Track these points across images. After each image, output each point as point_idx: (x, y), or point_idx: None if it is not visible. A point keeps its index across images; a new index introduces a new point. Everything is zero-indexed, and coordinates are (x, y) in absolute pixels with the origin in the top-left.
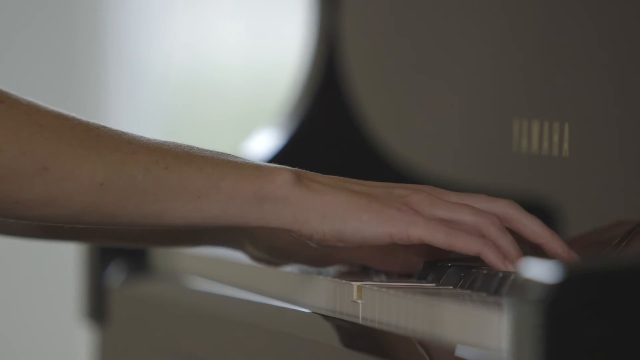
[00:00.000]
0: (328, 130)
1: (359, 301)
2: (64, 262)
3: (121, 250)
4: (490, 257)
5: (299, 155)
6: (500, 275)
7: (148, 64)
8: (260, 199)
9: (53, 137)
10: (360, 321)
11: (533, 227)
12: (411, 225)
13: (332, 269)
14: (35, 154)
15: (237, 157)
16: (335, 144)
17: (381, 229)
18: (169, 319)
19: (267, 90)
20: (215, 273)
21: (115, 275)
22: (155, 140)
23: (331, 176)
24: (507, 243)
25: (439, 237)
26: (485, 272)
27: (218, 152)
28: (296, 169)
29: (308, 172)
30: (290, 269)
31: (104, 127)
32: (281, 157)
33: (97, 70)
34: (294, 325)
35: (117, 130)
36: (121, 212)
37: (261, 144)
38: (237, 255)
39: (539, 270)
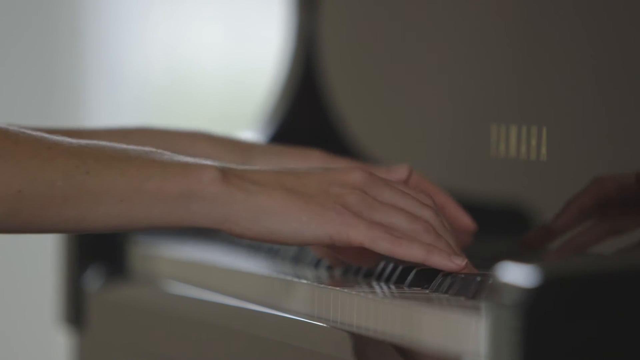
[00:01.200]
0: (306, 133)
1: (338, 306)
2: (42, 266)
3: (99, 254)
4: (437, 260)
5: None
6: (479, 279)
7: (127, 67)
8: (187, 199)
9: None
10: (339, 326)
11: (457, 214)
12: (352, 228)
13: (310, 273)
14: None
15: (164, 154)
16: (314, 147)
17: (322, 231)
18: (147, 323)
19: (245, 94)
20: (194, 277)
21: (93, 280)
22: (78, 142)
23: (263, 170)
24: (444, 247)
25: (380, 244)
26: (463, 276)
27: (144, 150)
28: (225, 165)
29: (237, 168)
30: (269, 272)
31: (24, 132)
32: None
33: (76, 73)
34: (272, 329)
35: (37, 135)
36: (41, 219)
37: None
38: (215, 259)
39: (517, 274)
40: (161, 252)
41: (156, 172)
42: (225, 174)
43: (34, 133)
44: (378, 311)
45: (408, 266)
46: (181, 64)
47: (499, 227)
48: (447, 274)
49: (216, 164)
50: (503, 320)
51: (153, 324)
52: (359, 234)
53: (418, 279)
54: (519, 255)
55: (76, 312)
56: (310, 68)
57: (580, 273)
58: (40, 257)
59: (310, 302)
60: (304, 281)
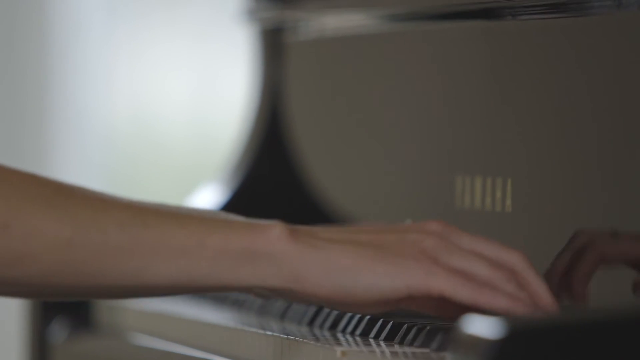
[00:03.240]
0: (271, 186)
1: (304, 358)
2: (6, 317)
3: (64, 306)
4: (522, 310)
5: (242, 211)
6: (444, 331)
7: (93, 117)
8: (253, 256)
9: (17, 194)
10: None
11: (537, 288)
12: (431, 276)
13: (276, 325)
14: None
15: (228, 214)
16: (279, 200)
17: (399, 282)
18: None
19: (210, 145)
20: (159, 329)
21: (59, 332)
22: (138, 200)
23: (335, 228)
24: (525, 298)
25: (462, 293)
26: (428, 327)
27: (206, 210)
28: (294, 226)
29: (307, 227)
30: (235, 324)
31: (80, 187)
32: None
33: (41, 129)
34: None
35: (94, 191)
36: (96, 271)
37: (204, 199)
38: (180, 310)
39: (482, 326)
40: (126, 303)
41: (219, 227)
42: (293, 231)
43: (89, 189)
44: None
45: (374, 318)
46: (146, 118)
47: None
48: (413, 325)
49: (281, 223)
50: None
51: None
52: (438, 283)
53: (381, 330)
54: None
55: None
56: (275, 120)
57: (546, 325)
58: (4, 309)
59: (277, 354)
60: (270, 333)
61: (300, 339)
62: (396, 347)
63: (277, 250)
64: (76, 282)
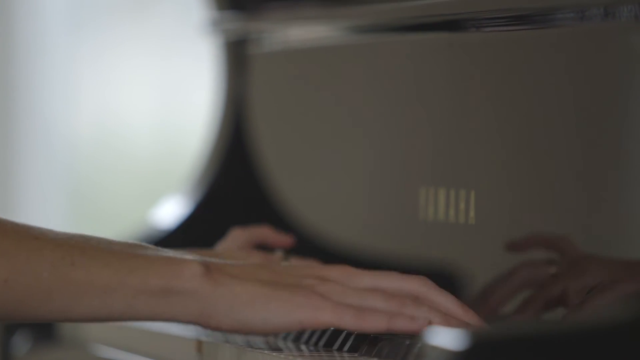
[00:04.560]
0: (235, 198)
1: None
2: None
3: None
4: (400, 325)
5: (206, 223)
6: (408, 342)
7: (57, 131)
8: (168, 293)
9: None
10: None
11: (446, 305)
12: (319, 311)
13: (239, 337)
14: None
15: (148, 247)
16: (243, 211)
17: (290, 317)
18: None
19: (174, 156)
20: (122, 341)
21: (21, 344)
22: (64, 233)
23: (243, 265)
24: (426, 315)
25: (346, 321)
26: (390, 339)
27: (128, 244)
28: (208, 259)
29: (220, 262)
30: (198, 335)
31: (11, 222)
32: (188, 225)
33: (6, 137)
34: None
35: (23, 225)
36: (25, 308)
37: (168, 211)
38: (143, 323)
39: (445, 338)
40: None
41: (139, 266)
42: (208, 268)
43: (20, 223)
44: None
45: (338, 329)
46: (112, 124)
47: None
48: (376, 336)
49: (198, 258)
50: None
51: None
52: (325, 316)
53: (347, 342)
54: None
55: None
56: (239, 132)
57: (509, 337)
58: None
59: None
60: (232, 345)
61: (262, 351)
62: (360, 358)
63: (189, 289)
64: (6, 317)
